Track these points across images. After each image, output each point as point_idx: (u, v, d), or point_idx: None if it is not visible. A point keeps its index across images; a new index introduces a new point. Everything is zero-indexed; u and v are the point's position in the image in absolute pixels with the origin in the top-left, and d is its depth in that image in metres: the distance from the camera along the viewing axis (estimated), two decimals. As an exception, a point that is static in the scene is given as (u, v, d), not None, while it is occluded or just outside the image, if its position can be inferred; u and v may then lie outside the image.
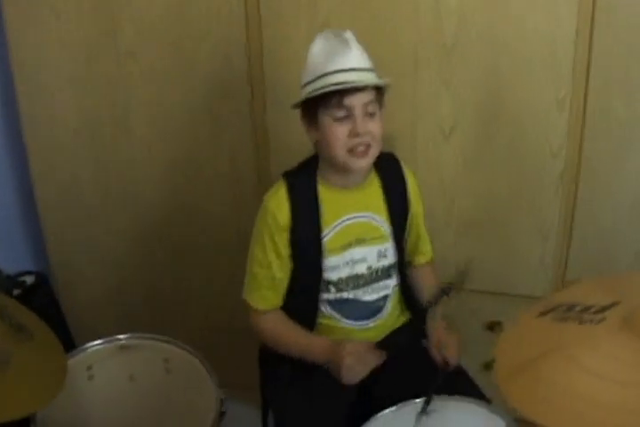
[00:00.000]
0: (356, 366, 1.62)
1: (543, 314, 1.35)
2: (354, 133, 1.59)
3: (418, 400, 1.62)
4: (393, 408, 1.62)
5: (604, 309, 1.26)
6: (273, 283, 1.74)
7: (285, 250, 1.70)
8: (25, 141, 2.46)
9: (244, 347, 2.04)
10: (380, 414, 1.61)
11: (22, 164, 2.51)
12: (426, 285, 1.87)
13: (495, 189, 2.10)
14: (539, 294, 2.17)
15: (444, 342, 1.71)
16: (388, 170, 1.77)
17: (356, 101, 1.58)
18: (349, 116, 1.59)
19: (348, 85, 1.55)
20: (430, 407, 1.61)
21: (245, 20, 2.09)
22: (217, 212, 2.39)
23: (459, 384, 1.75)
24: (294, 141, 2.10)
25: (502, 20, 1.91)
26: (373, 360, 1.64)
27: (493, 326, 2.24)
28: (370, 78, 1.60)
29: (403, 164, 1.82)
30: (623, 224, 2.05)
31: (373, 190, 1.76)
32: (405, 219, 1.81)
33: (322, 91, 1.57)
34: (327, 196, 1.71)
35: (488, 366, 2.23)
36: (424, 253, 1.92)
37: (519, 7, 1.89)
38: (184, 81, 2.24)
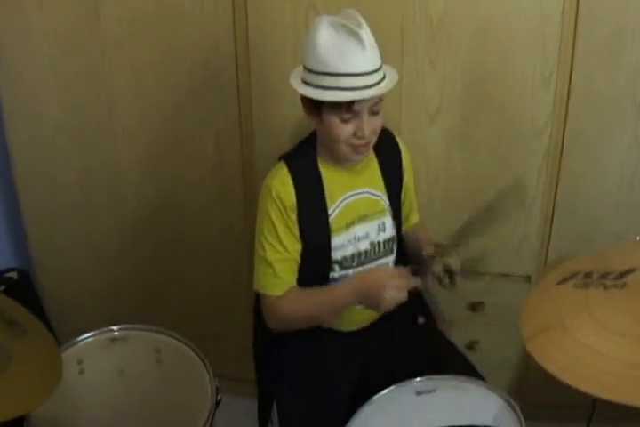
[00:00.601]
0: (395, 294, 1.61)
1: (562, 282, 1.41)
2: (359, 135, 1.60)
3: (418, 379, 1.64)
4: (391, 388, 1.64)
5: (622, 274, 1.34)
6: (290, 265, 1.72)
7: (296, 230, 1.68)
8: (7, 138, 2.39)
9: (236, 343, 2.04)
10: (377, 396, 1.63)
11: (4, 160, 2.45)
12: (420, 241, 1.89)
13: (480, 169, 2.11)
14: (521, 273, 2.21)
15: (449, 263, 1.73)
16: (384, 145, 1.77)
17: (365, 106, 1.57)
18: (356, 116, 1.58)
19: (360, 95, 1.53)
20: (428, 387, 1.63)
21: (232, 8, 2.06)
22: (202, 205, 2.36)
23: (455, 364, 1.78)
24: (279, 130, 2.12)
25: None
26: (406, 283, 1.63)
27: (476, 307, 2.26)
28: (380, 81, 1.57)
29: (398, 139, 1.84)
30: (606, 203, 2.08)
31: (371, 166, 1.77)
32: (400, 192, 1.84)
33: (333, 97, 1.55)
34: (328, 175, 1.71)
35: (471, 347, 2.28)
36: (412, 219, 1.97)
37: (505, -14, 1.90)
38: (169, 73, 2.20)
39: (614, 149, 2.01)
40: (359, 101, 1.55)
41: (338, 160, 1.69)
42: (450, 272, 1.73)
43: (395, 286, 1.60)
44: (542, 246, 2.17)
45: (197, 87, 2.19)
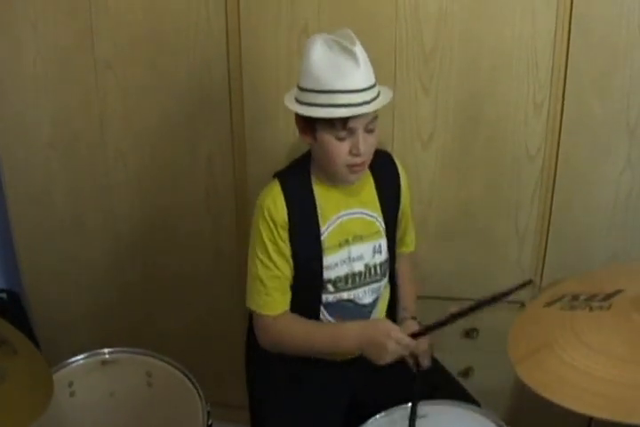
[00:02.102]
0: (396, 349, 1.60)
1: (549, 304, 1.43)
2: (355, 153, 1.59)
3: (409, 405, 1.61)
4: (383, 413, 1.63)
5: (609, 296, 1.35)
6: (281, 283, 1.71)
7: (287, 248, 1.68)
8: (-1, 159, 2.42)
9: (228, 366, 2.03)
10: (370, 420, 1.62)
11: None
12: (403, 283, 1.92)
13: (473, 193, 2.12)
14: (515, 300, 2.18)
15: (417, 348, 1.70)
16: (382, 167, 1.77)
17: (360, 123, 1.57)
18: (351, 134, 1.58)
19: (355, 112, 1.54)
20: (421, 412, 1.61)
21: (225, 31, 2.09)
22: (194, 227, 2.36)
23: (448, 389, 1.77)
24: (272, 153, 2.13)
25: (481, 25, 1.94)
26: (410, 341, 1.62)
27: (470, 333, 2.25)
28: (374, 98, 1.57)
29: (397, 162, 1.83)
30: (599, 226, 2.08)
31: (367, 187, 1.76)
32: (397, 215, 1.83)
33: (327, 115, 1.54)
34: (322, 193, 1.70)
35: (465, 374, 2.26)
36: (407, 244, 1.96)
37: (498, 13, 1.92)
38: (162, 95, 2.22)
39: (607, 174, 2.02)
40: (354, 118, 1.54)
41: (333, 180, 1.69)
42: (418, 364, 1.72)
43: (399, 340, 1.60)
44: (536, 270, 2.16)
45: (190, 109, 2.21)
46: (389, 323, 1.67)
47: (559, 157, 2.02)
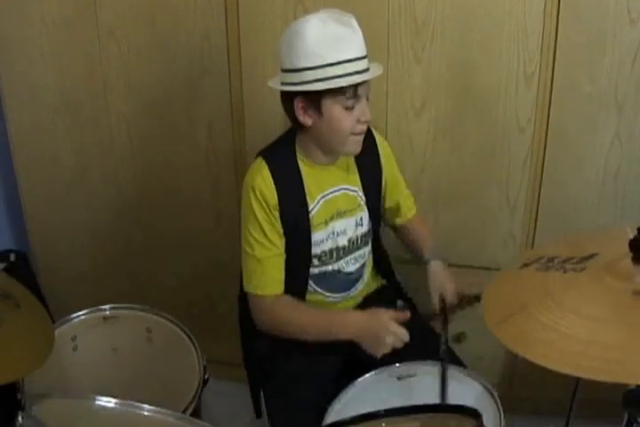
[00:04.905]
0: (393, 342, 1.62)
1: (526, 265, 1.44)
2: (363, 120, 1.63)
3: (398, 365, 1.67)
4: (372, 373, 1.67)
5: (583, 259, 1.38)
6: (277, 261, 1.72)
7: (279, 227, 1.70)
8: (6, 122, 2.46)
9: (226, 324, 2.07)
10: (359, 380, 1.66)
11: (4, 144, 2.51)
12: (419, 238, 1.92)
13: (464, 162, 2.15)
14: (506, 267, 2.24)
15: (443, 283, 1.76)
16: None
17: (365, 90, 1.61)
18: (357, 102, 1.61)
19: (366, 77, 1.57)
20: (410, 371, 1.66)
21: (224, 0, 2.12)
22: (194, 191, 2.40)
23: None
24: (270, 120, 2.17)
25: (472, -2, 1.96)
26: (405, 334, 1.63)
27: (462, 300, 2.28)
28: (375, 66, 1.63)
29: (375, 132, 1.85)
30: (589, 196, 2.11)
31: (348, 162, 1.79)
32: (379, 187, 1.86)
33: (347, 83, 1.55)
34: (308, 172, 1.72)
35: (459, 338, 2.30)
36: (409, 208, 1.96)
37: (489, -15, 1.94)
38: (162, 63, 2.25)
39: (597, 146, 2.04)
40: (362, 85, 1.58)
41: (319, 151, 1.71)
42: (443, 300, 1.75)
43: (397, 334, 1.61)
44: (527, 240, 2.19)
45: (190, 77, 2.24)
46: (387, 316, 1.65)
47: (549, 129, 2.05)
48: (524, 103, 2.03)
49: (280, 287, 1.73)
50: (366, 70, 1.59)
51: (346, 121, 1.62)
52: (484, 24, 1.97)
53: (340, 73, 1.56)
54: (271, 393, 1.79)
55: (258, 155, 1.74)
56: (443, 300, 1.75)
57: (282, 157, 1.72)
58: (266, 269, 1.71)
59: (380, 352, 1.62)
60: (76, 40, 2.29)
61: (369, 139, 1.80)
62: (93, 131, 2.41)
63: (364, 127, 1.66)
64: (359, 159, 1.79)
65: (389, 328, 1.61)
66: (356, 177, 1.80)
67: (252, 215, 1.68)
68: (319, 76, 1.56)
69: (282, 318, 1.72)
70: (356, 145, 1.69)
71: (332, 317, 1.75)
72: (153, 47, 2.24)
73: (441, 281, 1.78)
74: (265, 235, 1.68)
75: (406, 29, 2.02)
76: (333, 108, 1.60)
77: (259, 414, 1.85)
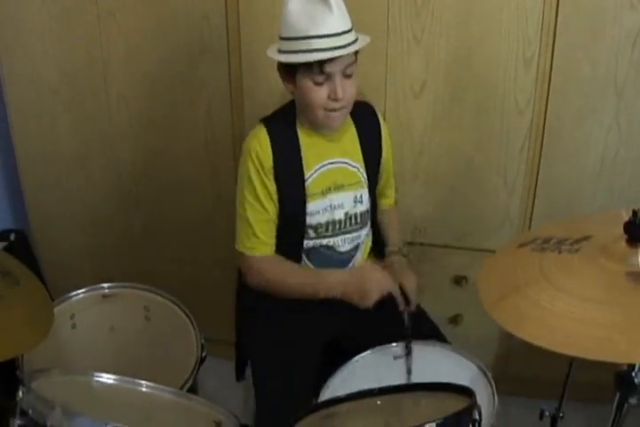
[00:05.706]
0: (379, 291, 1.67)
1: (522, 246, 1.46)
2: (333, 97, 1.63)
3: (394, 344, 1.68)
4: (369, 352, 1.68)
5: (578, 241, 1.39)
6: (268, 226, 1.75)
7: (274, 191, 1.72)
8: (6, 103, 2.46)
9: (222, 301, 2.08)
10: (355, 358, 1.67)
11: (4, 124, 2.51)
12: (388, 228, 1.95)
13: (463, 145, 2.15)
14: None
15: (404, 284, 1.76)
16: (364, 118, 1.81)
17: (337, 67, 1.61)
18: (329, 79, 1.62)
19: (330, 55, 1.57)
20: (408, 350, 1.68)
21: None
22: (193, 173, 2.41)
23: (426, 331, 1.80)
24: (269, 101, 2.12)
25: (473, -20, 1.95)
26: (390, 284, 1.69)
27: (459, 281, 2.30)
28: (350, 44, 1.61)
29: (379, 114, 1.86)
30: (587, 179, 2.11)
31: (350, 137, 1.80)
32: (378, 166, 1.87)
33: (304, 59, 1.58)
34: (307, 140, 1.74)
35: (454, 321, 2.32)
36: (388, 197, 1.99)
37: (489, -32, 1.94)
38: (162, 44, 2.25)
39: (595, 130, 2.04)
40: (330, 62, 1.59)
41: (315, 127, 1.72)
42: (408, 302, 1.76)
43: (380, 280, 1.68)
44: (524, 223, 2.20)
45: (189, 58, 2.24)
46: (370, 266, 1.74)
47: (548, 112, 2.05)
48: (523, 86, 2.03)
49: (270, 249, 1.77)
50: (340, 48, 1.58)
51: (315, 95, 1.63)
52: (483, 6, 1.97)
53: (306, 48, 1.58)
54: (257, 361, 1.81)
55: (260, 120, 1.77)
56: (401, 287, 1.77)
57: (281, 123, 1.75)
58: (257, 232, 1.74)
59: (368, 303, 1.67)
60: (76, 21, 2.29)
61: (373, 119, 1.83)
62: (93, 111, 2.41)
63: (337, 105, 1.65)
64: (362, 136, 1.81)
65: (373, 277, 1.68)
66: (359, 153, 1.81)
67: (246, 177, 1.72)
68: (292, 48, 1.60)
69: (270, 277, 1.77)
70: (329, 120, 1.69)
71: (319, 276, 1.79)
72: (153, 28, 2.24)
73: (400, 274, 1.80)
74: (258, 198, 1.72)
75: (406, 11, 2.01)
76: (304, 81, 1.63)
77: (239, 378, 1.92)
